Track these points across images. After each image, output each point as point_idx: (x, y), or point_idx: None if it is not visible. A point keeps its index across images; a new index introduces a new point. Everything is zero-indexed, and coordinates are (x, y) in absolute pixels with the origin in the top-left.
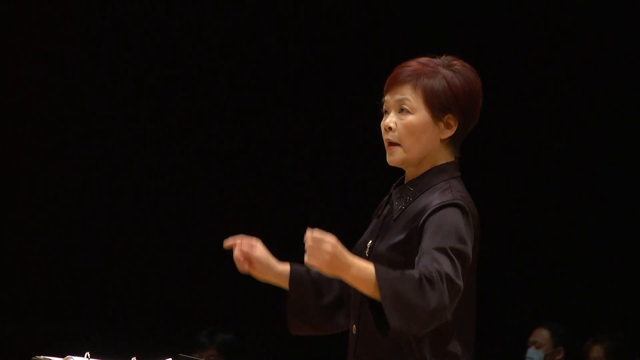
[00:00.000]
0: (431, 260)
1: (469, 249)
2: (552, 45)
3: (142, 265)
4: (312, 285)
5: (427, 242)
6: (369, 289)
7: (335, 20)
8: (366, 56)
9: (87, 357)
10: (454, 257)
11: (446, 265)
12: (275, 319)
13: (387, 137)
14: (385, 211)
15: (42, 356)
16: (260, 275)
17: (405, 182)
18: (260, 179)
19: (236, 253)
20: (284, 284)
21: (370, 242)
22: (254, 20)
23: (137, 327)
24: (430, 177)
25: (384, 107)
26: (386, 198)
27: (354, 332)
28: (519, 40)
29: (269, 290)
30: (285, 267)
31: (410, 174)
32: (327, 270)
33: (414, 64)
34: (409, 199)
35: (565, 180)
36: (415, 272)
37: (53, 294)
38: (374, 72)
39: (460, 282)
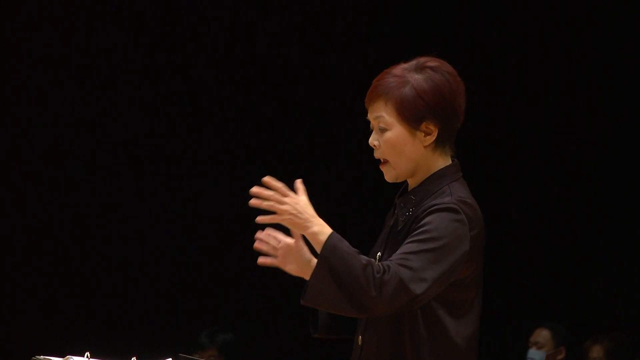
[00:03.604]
0: (398, 260)
1: (449, 253)
2: (552, 45)
3: (142, 266)
4: None
5: (407, 242)
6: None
7: (335, 20)
8: (371, 58)
9: (87, 357)
10: (422, 263)
11: (406, 271)
12: (274, 319)
13: (375, 154)
14: (392, 221)
15: (42, 356)
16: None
17: (407, 191)
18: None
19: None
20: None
21: (379, 253)
22: (254, 20)
23: (137, 327)
24: (430, 184)
25: (370, 125)
26: (392, 208)
27: (359, 343)
28: (519, 40)
29: (268, 290)
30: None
31: (411, 182)
32: (291, 226)
33: (386, 78)
34: (412, 208)
35: (566, 180)
36: (365, 259)
37: (53, 295)
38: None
39: (414, 289)
